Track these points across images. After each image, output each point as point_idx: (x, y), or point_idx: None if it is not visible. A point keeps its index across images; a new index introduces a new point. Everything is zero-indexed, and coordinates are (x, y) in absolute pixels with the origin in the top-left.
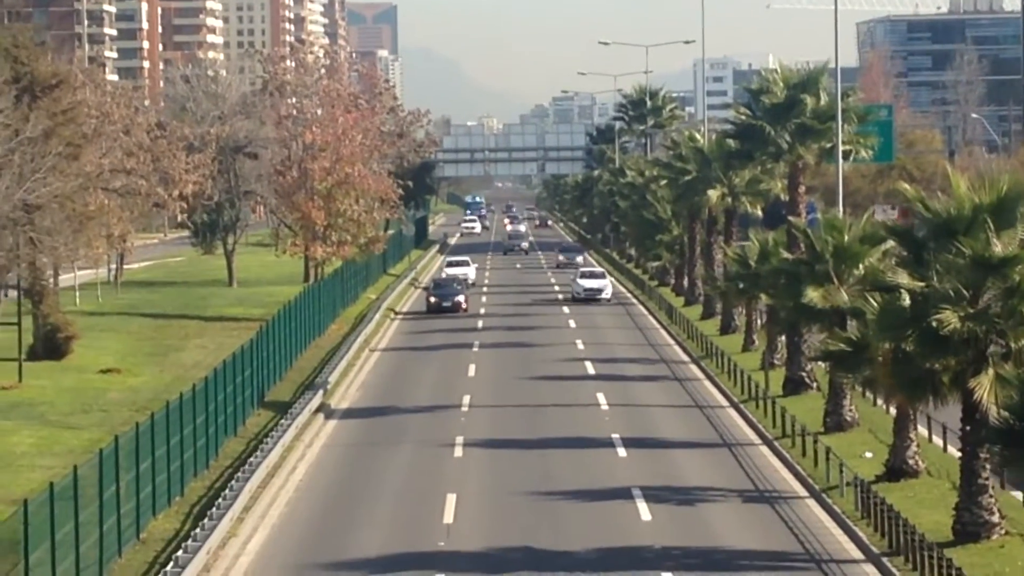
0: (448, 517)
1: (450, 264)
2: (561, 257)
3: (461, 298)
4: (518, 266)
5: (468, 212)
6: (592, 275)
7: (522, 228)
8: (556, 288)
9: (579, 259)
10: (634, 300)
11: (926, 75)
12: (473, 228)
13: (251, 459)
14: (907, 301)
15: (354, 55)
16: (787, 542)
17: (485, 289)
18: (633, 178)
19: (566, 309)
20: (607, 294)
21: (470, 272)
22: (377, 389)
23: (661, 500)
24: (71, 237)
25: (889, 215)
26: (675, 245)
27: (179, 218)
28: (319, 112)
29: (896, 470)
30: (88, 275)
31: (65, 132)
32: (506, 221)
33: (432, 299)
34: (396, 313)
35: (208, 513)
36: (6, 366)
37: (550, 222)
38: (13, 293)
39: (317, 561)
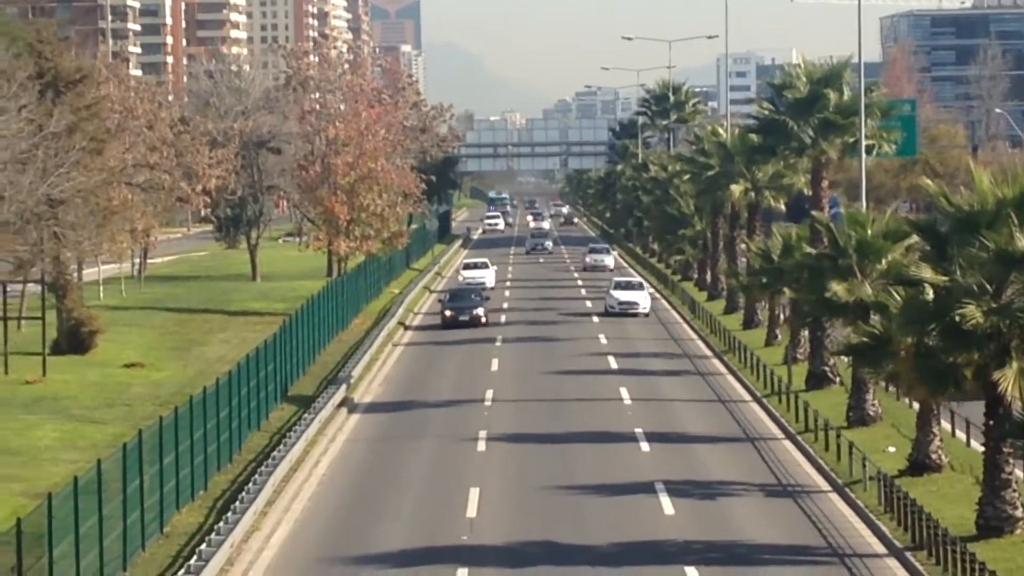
0: (471, 511)
1: (467, 266)
2: (588, 259)
3: (480, 311)
4: (541, 260)
5: (491, 208)
6: (628, 286)
7: (546, 225)
8: (582, 288)
9: (608, 260)
10: (657, 295)
11: (950, 70)
12: (497, 225)
13: (274, 453)
14: (930, 295)
15: (377, 50)
16: (810, 536)
17: (508, 283)
18: (656, 173)
19: (589, 304)
20: (645, 307)
21: (488, 276)
22: (400, 383)
23: (684, 494)
24: (95, 232)
25: (902, 209)
26: (698, 240)
27: (202, 213)
28: (342, 107)
29: (919, 464)
30: (112, 270)
31: (88, 127)
32: (529, 218)
33: (447, 312)
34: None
35: (231, 507)
36: (30, 360)
37: (576, 219)
38: (37, 287)
39: (340, 555)
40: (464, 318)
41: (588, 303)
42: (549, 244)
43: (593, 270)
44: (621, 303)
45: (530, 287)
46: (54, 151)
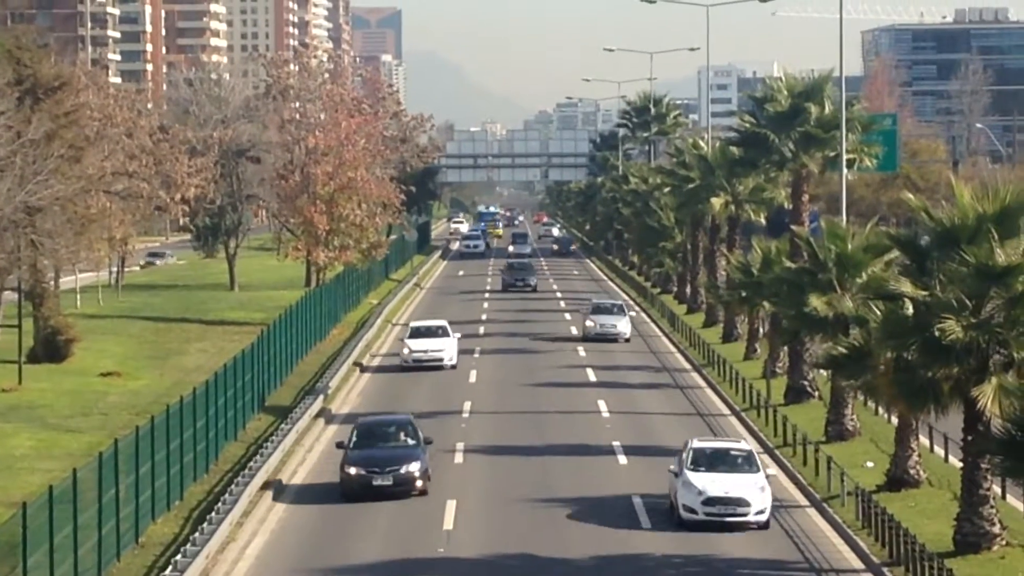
0: (448, 524)
1: (415, 333)
2: (590, 323)
3: (415, 467)
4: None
5: (475, 225)
6: (726, 459)
7: (527, 250)
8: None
9: (622, 326)
10: (636, 308)
11: (931, 84)
12: (477, 247)
13: (251, 463)
14: (910, 310)
15: (358, 59)
16: (787, 551)
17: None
18: (636, 185)
19: (568, 316)
20: (762, 511)
21: (448, 348)
22: (378, 394)
23: (662, 508)
24: (72, 240)
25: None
26: (678, 253)
27: (181, 221)
28: (322, 116)
29: (897, 480)
30: (89, 278)
31: (67, 135)
32: (510, 243)
33: (352, 470)
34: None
35: (207, 517)
36: (6, 368)
37: (575, 246)
38: (14, 295)
39: (316, 567)
40: (383, 482)
41: (567, 316)
42: (533, 280)
43: (600, 340)
44: (712, 503)
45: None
46: (32, 158)
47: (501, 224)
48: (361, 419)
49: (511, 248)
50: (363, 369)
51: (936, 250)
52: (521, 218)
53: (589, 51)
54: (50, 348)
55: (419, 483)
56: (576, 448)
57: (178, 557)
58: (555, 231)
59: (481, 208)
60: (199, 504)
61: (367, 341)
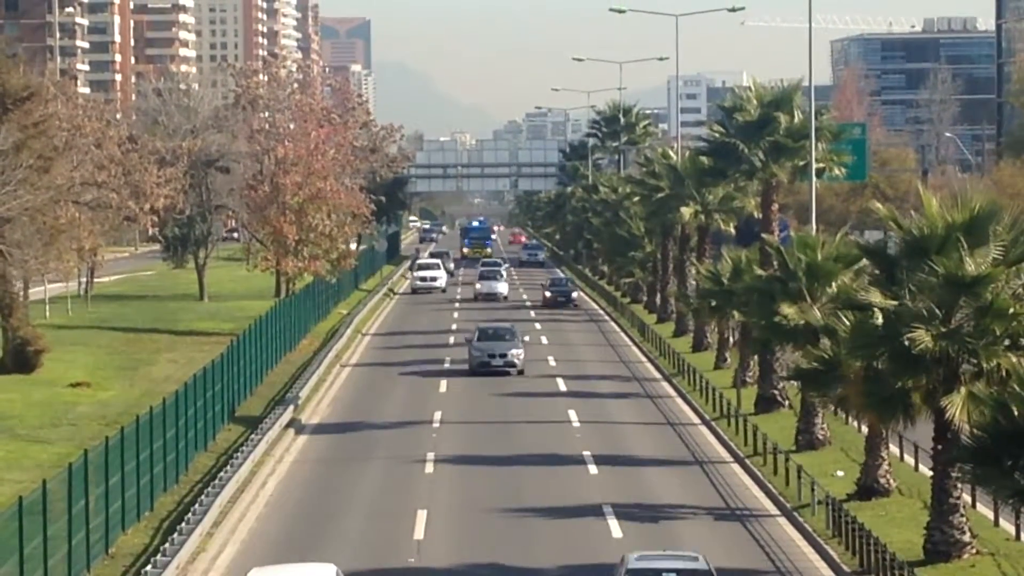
0: (419, 533)
1: None
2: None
3: None
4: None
5: (465, 240)
6: None
7: (503, 289)
8: None
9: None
10: (606, 317)
11: (900, 94)
12: (434, 281)
13: (221, 474)
14: (879, 319)
15: (327, 69)
16: (758, 560)
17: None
18: (606, 195)
19: (538, 325)
20: None
21: None
22: (348, 404)
23: (632, 518)
24: (41, 250)
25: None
26: (648, 262)
27: (150, 232)
28: (291, 126)
29: (867, 489)
30: (58, 288)
31: (36, 145)
32: (478, 279)
33: None
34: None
35: (178, 528)
36: None
37: (576, 293)
38: None
39: None
40: None
41: (538, 325)
42: (517, 356)
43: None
44: None
45: None
46: (0, 169)
47: (490, 244)
48: None
49: (479, 286)
50: None
51: (905, 260)
52: (495, 235)
53: (559, 61)
54: (19, 358)
55: None
56: (546, 458)
57: (149, 568)
58: (540, 256)
59: (463, 221)
60: (169, 515)
61: (337, 351)
